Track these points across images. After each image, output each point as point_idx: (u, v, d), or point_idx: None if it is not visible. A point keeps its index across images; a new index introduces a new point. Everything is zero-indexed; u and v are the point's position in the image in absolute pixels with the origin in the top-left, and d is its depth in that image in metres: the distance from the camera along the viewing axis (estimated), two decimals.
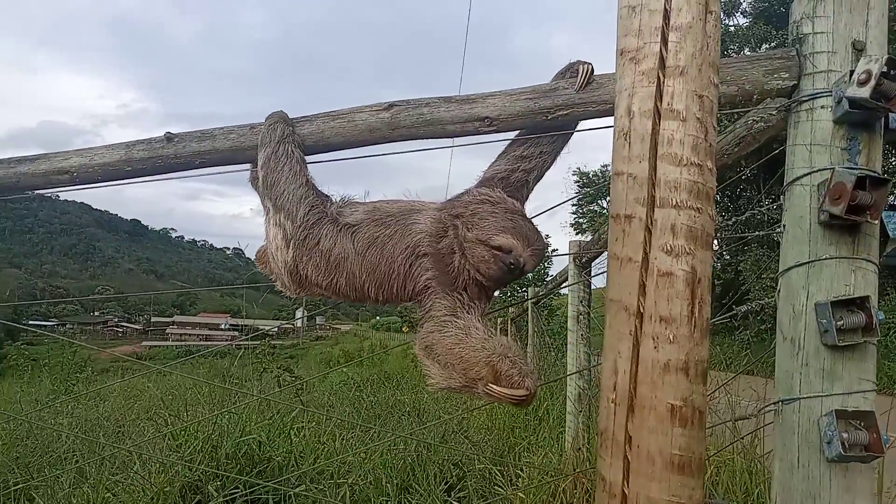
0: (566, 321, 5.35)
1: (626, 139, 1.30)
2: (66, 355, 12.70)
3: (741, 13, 22.86)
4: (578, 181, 29.39)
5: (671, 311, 1.23)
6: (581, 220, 30.32)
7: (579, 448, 4.92)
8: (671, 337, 1.22)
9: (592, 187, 28.07)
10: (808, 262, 1.64)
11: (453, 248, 1.76)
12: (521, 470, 4.98)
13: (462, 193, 1.87)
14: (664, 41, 1.25)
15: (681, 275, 1.23)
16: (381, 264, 1.82)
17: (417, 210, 1.87)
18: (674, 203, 1.24)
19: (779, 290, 1.73)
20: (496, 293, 1.99)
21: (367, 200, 2.01)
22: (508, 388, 1.53)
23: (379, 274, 1.83)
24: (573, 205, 29.77)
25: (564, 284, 5.04)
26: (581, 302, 4.98)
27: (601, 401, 1.33)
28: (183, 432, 5.10)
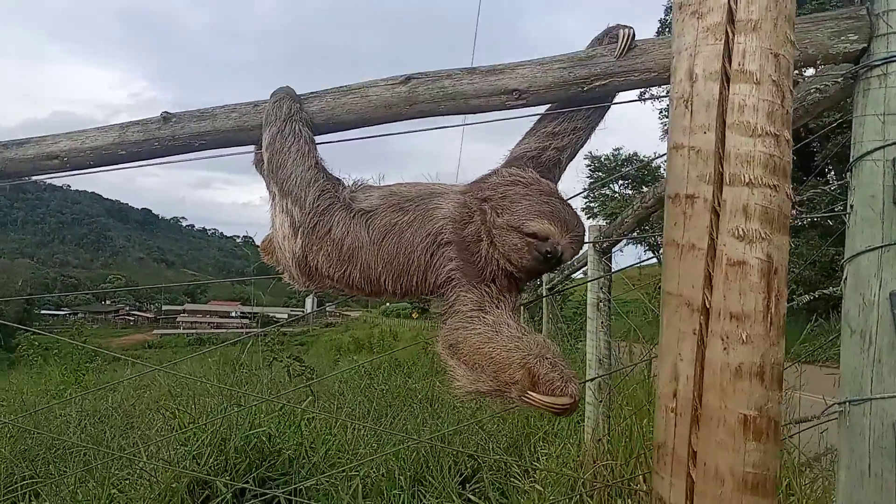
0: (580, 306, 5.17)
1: (686, 107, 1.12)
2: (76, 345, 12.60)
3: None
4: (590, 165, 29.06)
5: (744, 306, 1.06)
6: (592, 205, 29.97)
7: (599, 439, 4.76)
8: (744, 336, 1.05)
9: (604, 171, 27.67)
10: (882, 247, 1.46)
11: (480, 235, 1.57)
12: (538, 461, 4.83)
13: (489, 174, 1.68)
14: None
15: (755, 264, 1.05)
16: (399, 254, 1.64)
17: (439, 194, 1.69)
18: (746, 180, 1.06)
19: (845, 278, 1.54)
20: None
21: (384, 184, 1.83)
22: (549, 395, 1.33)
23: (397, 265, 1.65)
24: (584, 188, 29.44)
25: (590, 278, 4.83)
26: (601, 288, 4.79)
27: (657, 410, 1.16)
28: (191, 425, 4.98)
